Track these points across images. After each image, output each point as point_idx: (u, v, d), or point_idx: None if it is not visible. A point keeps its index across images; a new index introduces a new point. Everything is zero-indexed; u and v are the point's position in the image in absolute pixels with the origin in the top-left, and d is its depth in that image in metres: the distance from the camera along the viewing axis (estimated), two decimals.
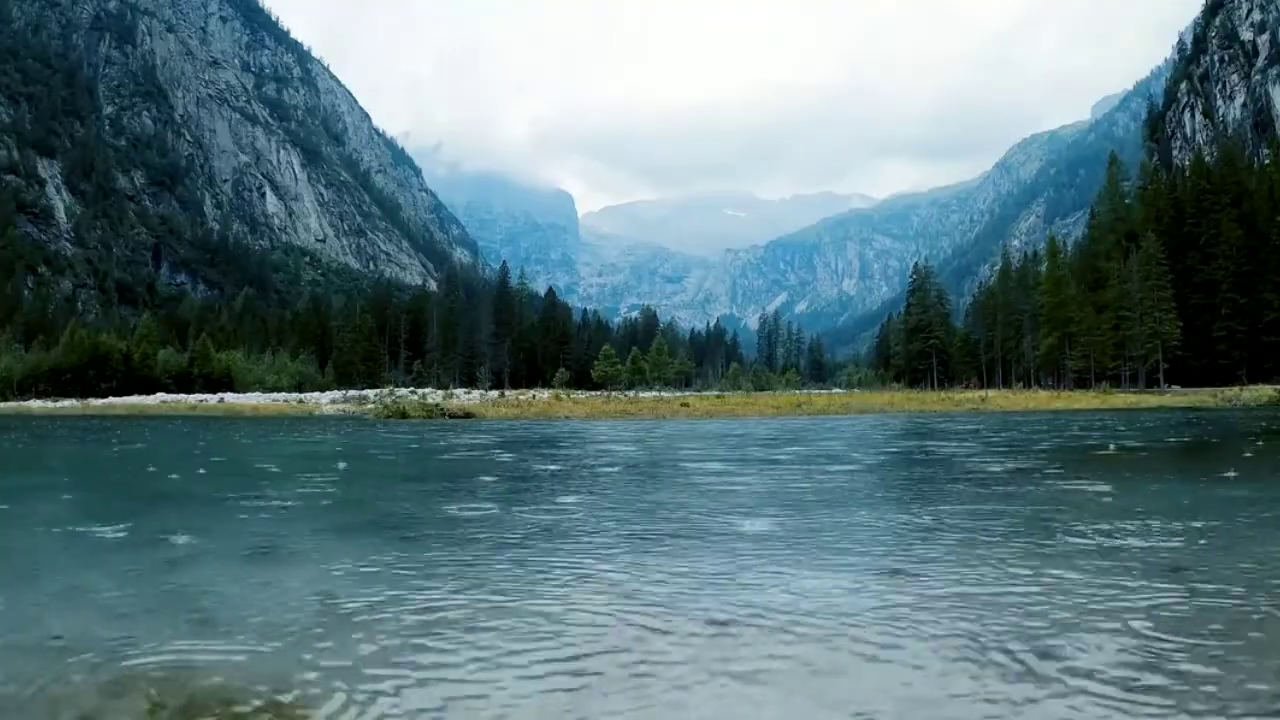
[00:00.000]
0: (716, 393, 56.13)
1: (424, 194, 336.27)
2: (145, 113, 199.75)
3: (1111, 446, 10.22)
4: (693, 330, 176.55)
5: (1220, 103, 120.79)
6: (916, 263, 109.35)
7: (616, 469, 7.83)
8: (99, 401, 48.32)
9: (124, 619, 2.43)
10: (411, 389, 47.70)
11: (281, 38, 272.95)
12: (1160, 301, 58.33)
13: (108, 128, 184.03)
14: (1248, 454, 8.58)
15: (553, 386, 67.39)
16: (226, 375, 75.12)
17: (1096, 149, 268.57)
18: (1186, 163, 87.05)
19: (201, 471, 8.35)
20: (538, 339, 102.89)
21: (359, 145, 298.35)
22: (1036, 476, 6.61)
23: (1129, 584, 2.71)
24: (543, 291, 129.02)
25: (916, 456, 9.45)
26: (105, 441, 14.48)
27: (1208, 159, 77.36)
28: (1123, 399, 35.89)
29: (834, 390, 68.76)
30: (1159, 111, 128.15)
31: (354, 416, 25.92)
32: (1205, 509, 4.60)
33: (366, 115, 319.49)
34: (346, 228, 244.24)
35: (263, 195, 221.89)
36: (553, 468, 8.02)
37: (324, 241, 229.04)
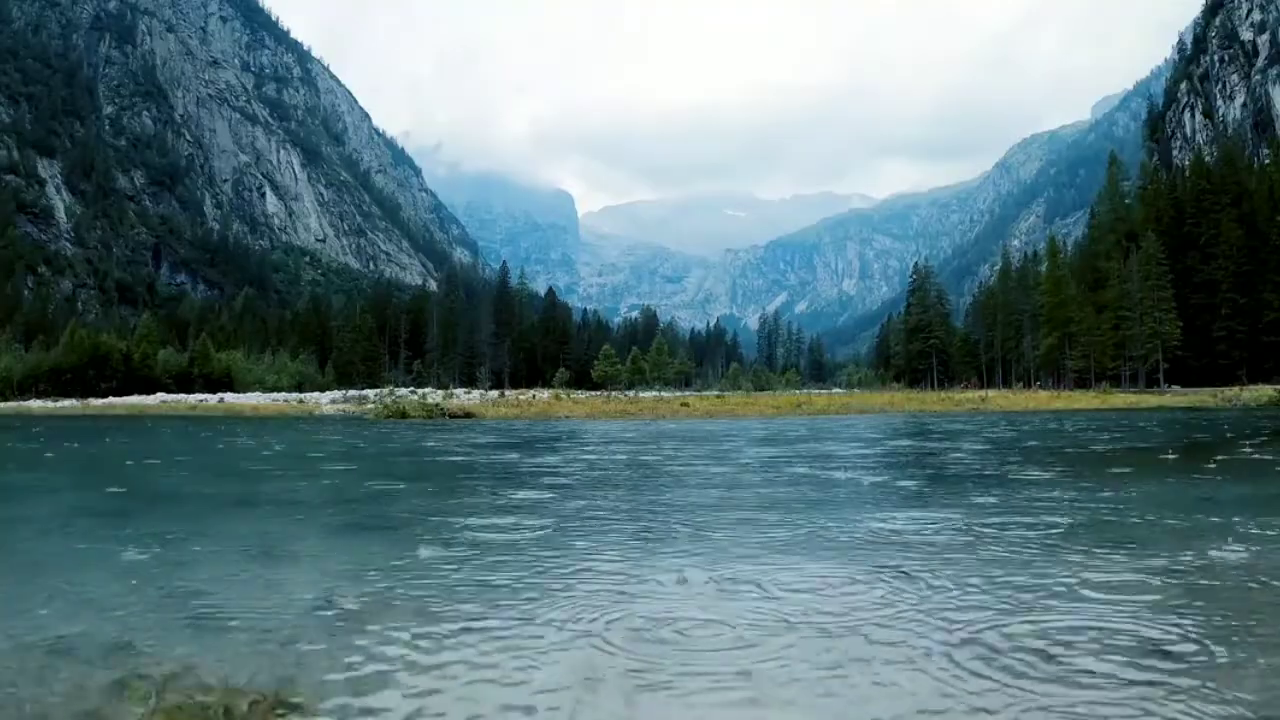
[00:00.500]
0: (716, 393, 56.13)
1: (424, 194, 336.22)
2: (145, 113, 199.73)
3: (1112, 447, 10.23)
4: (693, 330, 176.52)
5: (1220, 103, 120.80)
6: (916, 263, 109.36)
7: (616, 468, 7.84)
8: (99, 401, 48.30)
9: (124, 619, 2.43)
10: (411, 389, 47.71)
11: (281, 38, 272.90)
12: (1160, 301, 58.34)
13: (108, 128, 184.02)
14: (1252, 453, 8.58)
15: (553, 386, 67.40)
16: (226, 375, 75.10)
17: (1096, 149, 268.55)
18: (1186, 163, 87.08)
19: (201, 471, 8.35)
20: (538, 339, 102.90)
21: (359, 145, 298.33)
22: (1037, 476, 6.61)
23: (1130, 584, 2.72)
24: (543, 291, 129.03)
25: (917, 456, 9.45)
26: (105, 441, 14.49)
27: (1208, 159, 77.38)
28: (1123, 399, 35.89)
29: (834, 390, 68.76)
30: (1159, 111, 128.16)
31: (354, 416, 25.92)
32: (1206, 509, 4.60)
33: (366, 115, 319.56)
34: (346, 228, 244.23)
35: (263, 195, 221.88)
36: (552, 467, 8.02)
37: (324, 241, 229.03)
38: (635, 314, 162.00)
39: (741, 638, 2.17)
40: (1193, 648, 2.03)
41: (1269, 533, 3.68)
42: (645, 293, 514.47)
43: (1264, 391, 31.70)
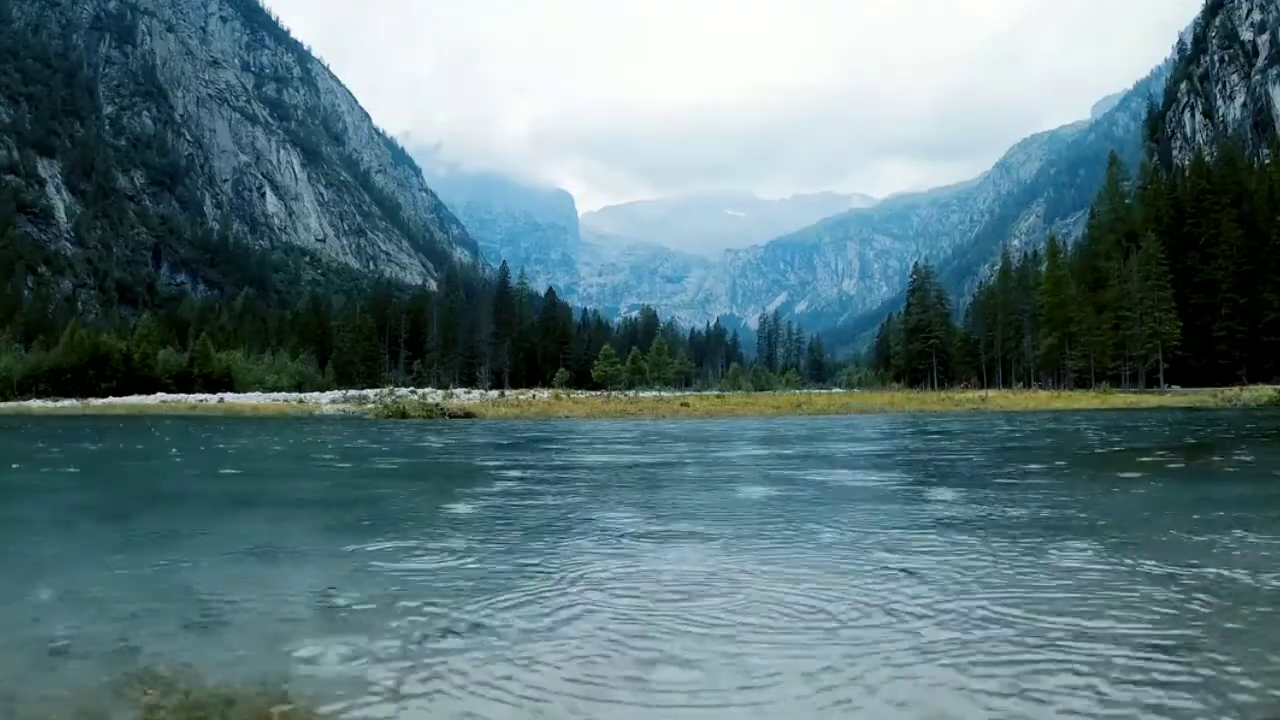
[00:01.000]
0: (716, 393, 56.14)
1: (424, 194, 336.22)
2: (145, 113, 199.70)
3: (1112, 447, 10.22)
4: (693, 330, 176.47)
5: (1220, 103, 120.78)
6: (916, 263, 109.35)
7: (616, 468, 7.83)
8: (99, 401, 48.30)
9: (124, 619, 2.43)
10: (411, 389, 47.72)
11: (281, 37, 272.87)
12: (1160, 301, 58.34)
13: (108, 128, 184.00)
14: (1247, 457, 8.58)
15: (553, 386, 67.40)
16: (226, 375, 75.12)
17: (1096, 149, 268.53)
18: (1186, 163, 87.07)
19: (200, 471, 8.35)
20: (538, 339, 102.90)
21: (359, 145, 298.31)
22: (1037, 476, 6.61)
23: (1133, 583, 2.72)
24: (543, 291, 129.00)
25: (917, 456, 9.45)
26: (105, 441, 14.48)
27: (1208, 159, 77.36)
28: (1122, 399, 35.89)
29: (834, 390, 68.79)
30: (1159, 111, 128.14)
31: (354, 416, 25.92)
32: (1208, 507, 4.60)
33: (366, 115, 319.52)
34: (346, 227, 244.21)
35: (263, 195, 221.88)
36: (552, 467, 8.02)
37: (324, 241, 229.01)
38: (635, 314, 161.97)
39: (743, 636, 2.17)
40: (1193, 647, 2.02)
41: (1268, 532, 3.68)
42: (645, 293, 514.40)
43: (1264, 391, 31.69)
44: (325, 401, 38.47)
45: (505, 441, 12.95)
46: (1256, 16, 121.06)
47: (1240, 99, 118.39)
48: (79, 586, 2.91)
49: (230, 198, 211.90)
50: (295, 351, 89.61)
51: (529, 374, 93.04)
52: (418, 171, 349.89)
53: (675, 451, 10.33)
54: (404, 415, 22.33)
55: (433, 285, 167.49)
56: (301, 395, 50.24)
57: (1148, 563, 3.03)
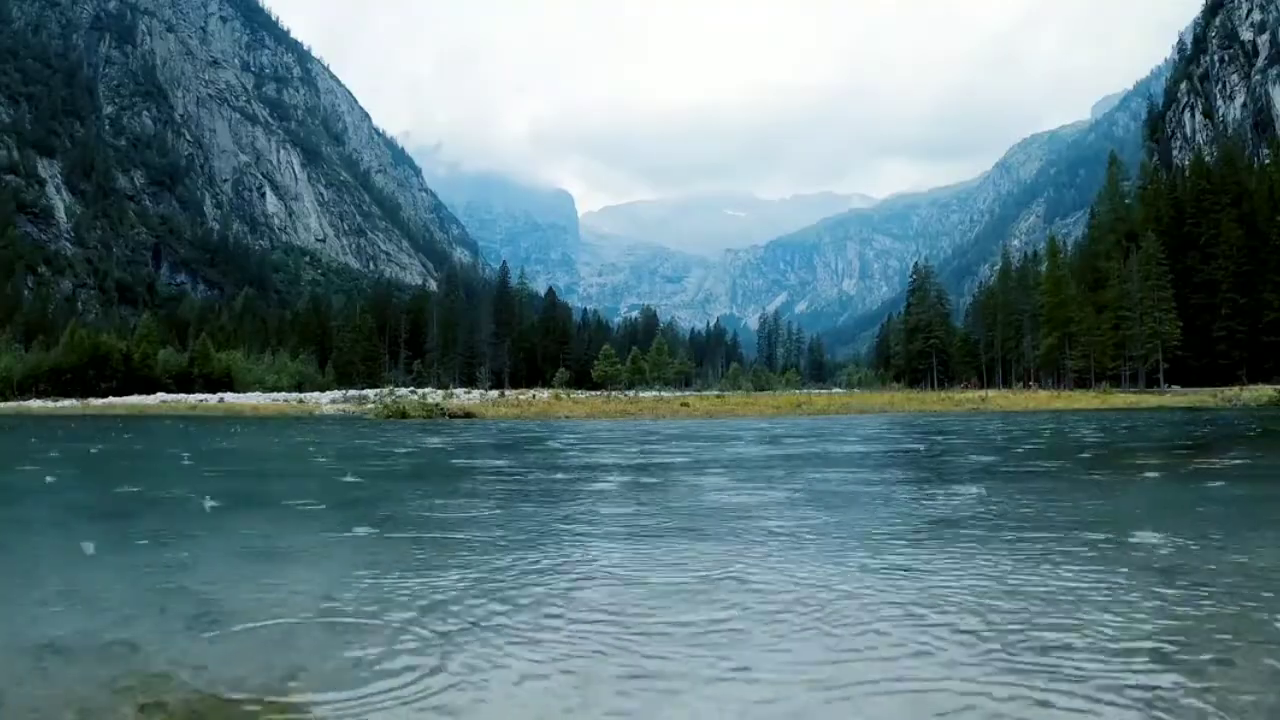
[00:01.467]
0: (716, 393, 56.14)
1: (424, 194, 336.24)
2: (145, 113, 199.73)
3: (1112, 446, 10.22)
4: (693, 330, 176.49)
5: (1220, 103, 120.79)
6: (916, 263, 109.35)
7: (616, 468, 7.83)
8: (99, 401, 48.31)
9: (124, 619, 2.43)
10: (411, 389, 47.72)
11: (281, 37, 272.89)
12: (1160, 301, 58.34)
13: (108, 128, 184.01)
14: (1247, 458, 8.58)
15: (553, 386, 67.41)
16: (226, 375, 75.12)
17: (1096, 149, 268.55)
18: (1186, 163, 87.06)
19: (200, 471, 8.35)
20: (538, 339, 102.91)
21: (359, 145, 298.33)
22: (1037, 476, 6.61)
23: (1135, 584, 2.72)
24: (543, 291, 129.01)
25: (917, 455, 9.45)
26: (105, 441, 14.48)
27: (1208, 159, 77.35)
28: (1122, 399, 35.90)
29: (834, 390, 68.80)
30: (1159, 111, 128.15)
31: (354, 416, 25.92)
32: (1208, 507, 4.60)
33: (366, 115, 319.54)
34: (346, 227, 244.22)
35: (263, 195, 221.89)
36: (551, 467, 8.02)
37: (324, 241, 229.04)
38: (635, 314, 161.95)
39: (742, 637, 2.18)
40: (1192, 648, 2.02)
41: (1268, 532, 3.68)
42: (645, 293, 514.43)
43: (1264, 391, 31.69)
44: (325, 401, 38.48)
45: (505, 442, 12.95)
46: (1256, 16, 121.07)
47: (1240, 99, 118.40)
48: (79, 586, 2.91)
49: (230, 198, 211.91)
50: (295, 351, 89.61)
51: (529, 374, 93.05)
52: (418, 171, 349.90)
53: (675, 451, 10.33)
54: (404, 415, 22.34)
55: (433, 285, 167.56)
56: (301, 395, 50.24)
57: (1148, 563, 3.03)
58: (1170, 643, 2.07)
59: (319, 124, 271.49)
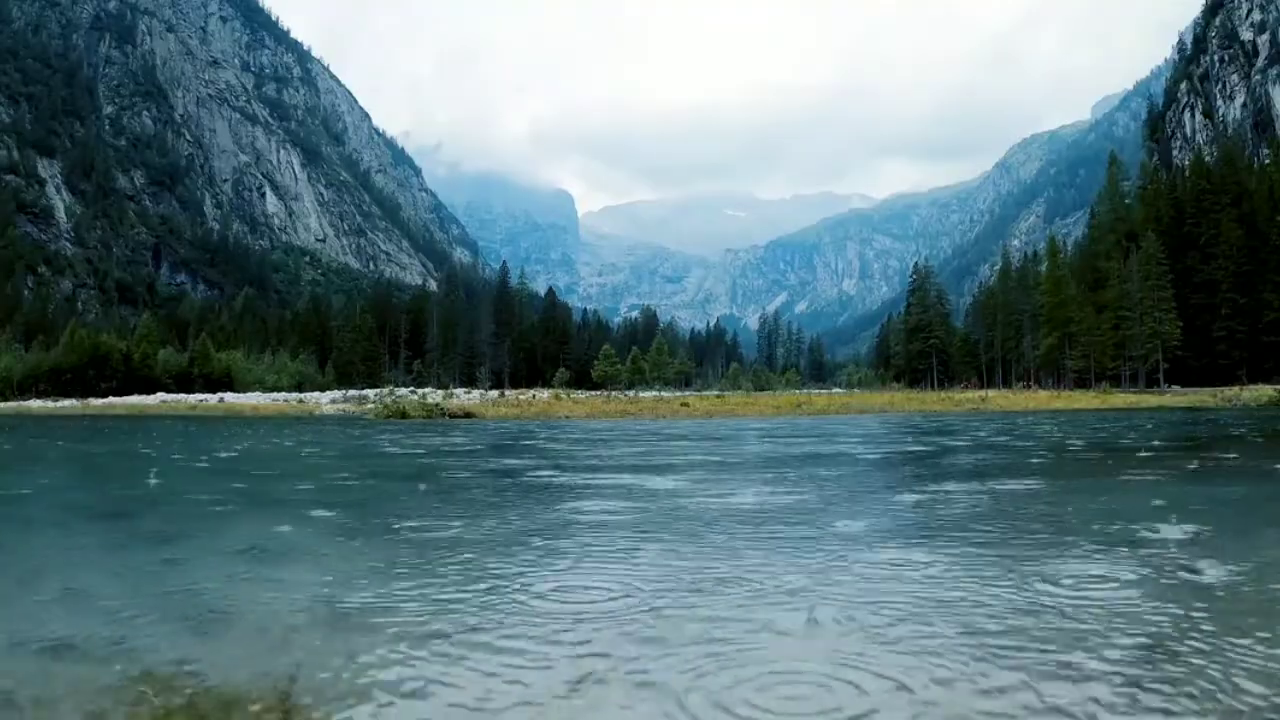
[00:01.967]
0: (716, 393, 56.14)
1: (424, 194, 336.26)
2: (145, 113, 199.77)
3: (1112, 446, 10.22)
4: (693, 330, 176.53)
5: (1220, 103, 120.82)
6: (916, 263, 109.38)
7: (616, 468, 7.83)
8: (99, 401, 48.31)
9: (124, 619, 2.42)
10: (411, 389, 47.73)
11: (281, 38, 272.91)
12: (1160, 301, 58.35)
13: (108, 128, 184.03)
14: (1246, 458, 8.58)
15: (553, 386, 67.41)
16: (226, 375, 75.14)
17: (1096, 149, 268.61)
18: (1186, 163, 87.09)
19: (200, 471, 8.35)
20: (538, 339, 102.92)
21: (359, 145, 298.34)
22: (1036, 476, 6.61)
23: (1135, 583, 2.71)
24: (543, 291, 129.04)
25: (917, 455, 9.45)
26: (105, 441, 14.48)
27: (1208, 159, 77.39)
28: (1123, 399, 35.89)
29: (834, 390, 68.83)
30: (1159, 111, 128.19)
31: (354, 416, 25.92)
32: (1208, 506, 4.60)
33: (366, 115, 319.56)
34: (346, 227, 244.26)
35: (263, 195, 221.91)
36: (551, 467, 8.02)
37: (324, 241, 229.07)
38: (635, 314, 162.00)
39: (745, 635, 2.17)
40: (1192, 648, 2.02)
41: (1269, 531, 3.67)
42: (645, 293, 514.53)
43: (1264, 391, 31.68)
44: (325, 401, 38.47)
45: (505, 442, 12.95)
46: (1256, 16, 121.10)
47: (1240, 99, 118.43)
48: (79, 586, 2.91)
49: (230, 198, 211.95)
50: (295, 351, 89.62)
51: (529, 374, 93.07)
52: (418, 171, 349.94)
53: (675, 451, 10.33)
54: (404, 415, 22.33)
55: (433, 285, 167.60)
56: (301, 395, 50.25)
57: (1147, 562, 3.03)
58: (1171, 643, 2.06)
59: (319, 124, 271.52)
